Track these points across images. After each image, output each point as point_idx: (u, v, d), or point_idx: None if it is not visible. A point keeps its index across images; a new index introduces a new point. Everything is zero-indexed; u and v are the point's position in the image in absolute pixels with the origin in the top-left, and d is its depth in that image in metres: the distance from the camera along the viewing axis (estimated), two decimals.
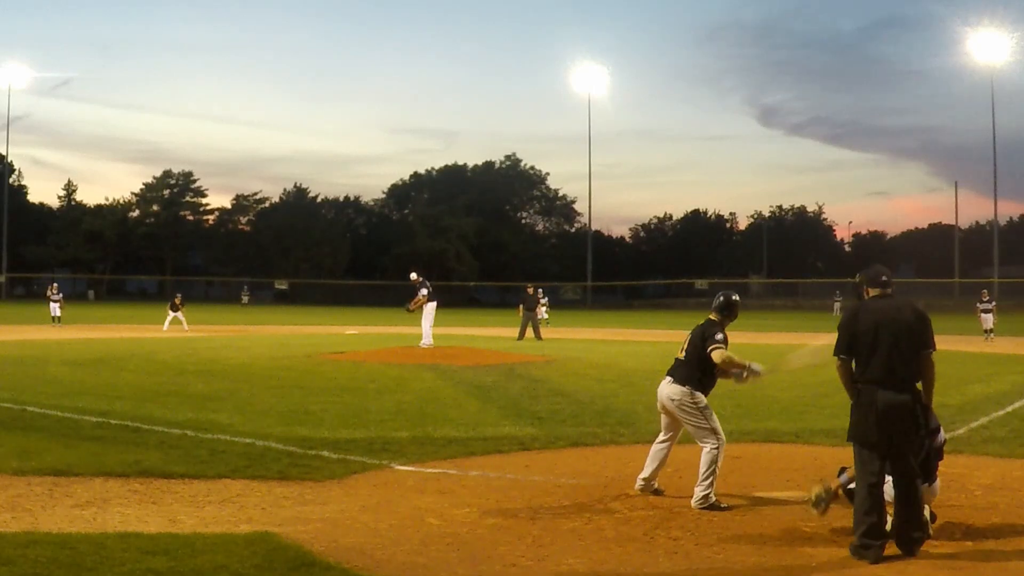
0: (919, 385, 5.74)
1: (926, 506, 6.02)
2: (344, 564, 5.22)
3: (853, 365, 5.82)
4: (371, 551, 5.54)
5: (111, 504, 6.58)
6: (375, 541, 5.77)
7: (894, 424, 5.59)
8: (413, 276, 23.23)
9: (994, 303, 31.71)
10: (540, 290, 40.92)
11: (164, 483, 7.29)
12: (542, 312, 37.64)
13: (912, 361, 5.68)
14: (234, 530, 5.93)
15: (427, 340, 22.07)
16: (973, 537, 5.95)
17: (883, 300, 5.91)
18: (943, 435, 6.41)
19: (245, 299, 71.17)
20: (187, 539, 5.61)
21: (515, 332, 29.11)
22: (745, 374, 7.03)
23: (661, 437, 7.30)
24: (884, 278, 5.99)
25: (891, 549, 5.65)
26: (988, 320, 30.82)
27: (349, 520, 6.29)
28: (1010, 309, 61.81)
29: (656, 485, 7.23)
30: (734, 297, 7.26)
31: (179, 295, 35.56)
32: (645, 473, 7.23)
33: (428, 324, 22.30)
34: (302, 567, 5.14)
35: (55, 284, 37.11)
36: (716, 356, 6.91)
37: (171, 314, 33.46)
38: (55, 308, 35.27)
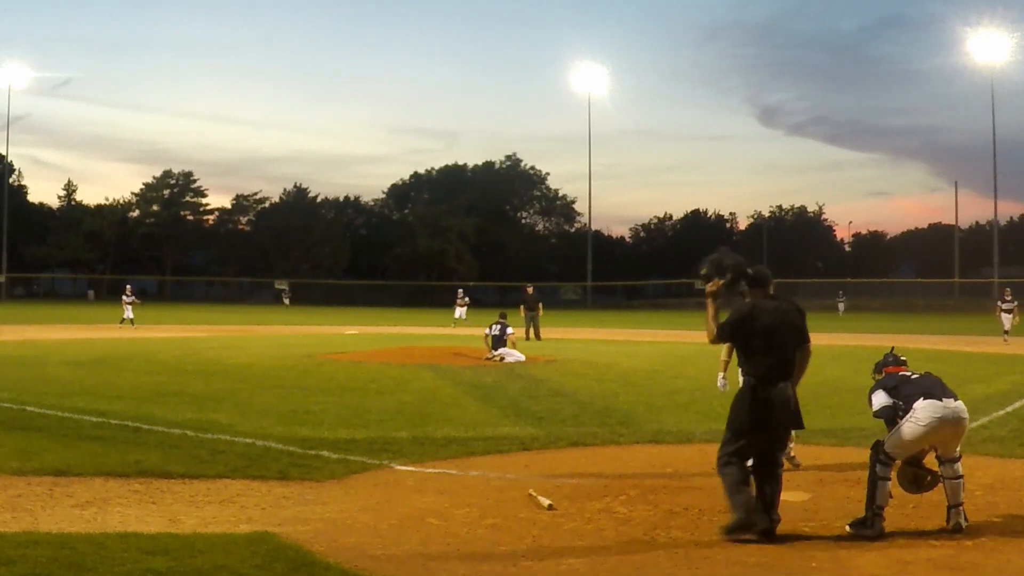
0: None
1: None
2: (344, 564, 5.21)
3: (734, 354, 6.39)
4: (371, 551, 5.54)
5: (111, 504, 6.58)
6: (375, 541, 5.77)
7: (775, 415, 5.95)
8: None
9: (1016, 303, 29.88)
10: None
11: (164, 483, 7.28)
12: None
13: (792, 358, 6.10)
14: (234, 530, 5.92)
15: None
16: (973, 537, 5.94)
17: (774, 301, 6.27)
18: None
19: (286, 301, 67.73)
20: (187, 539, 5.61)
21: (516, 332, 29.13)
22: None
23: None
24: (767, 279, 6.32)
25: (889, 548, 5.66)
26: (1007, 320, 29.48)
27: (349, 520, 6.28)
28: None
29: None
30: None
31: (129, 286, 36.54)
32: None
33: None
34: (302, 567, 5.14)
35: (129, 287, 36.57)
36: None
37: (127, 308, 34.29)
38: (128, 310, 34.69)
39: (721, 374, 8.25)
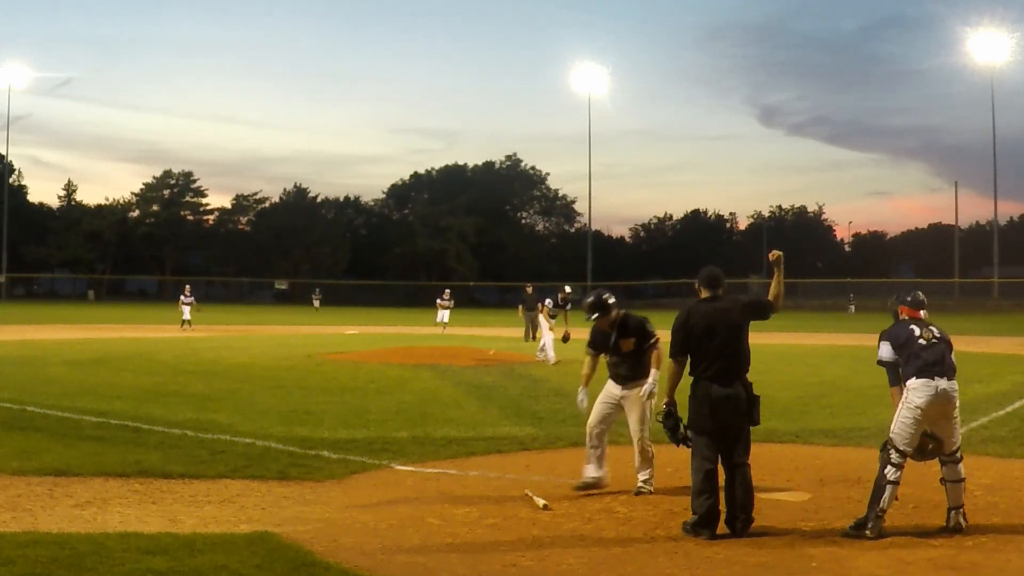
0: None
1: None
2: (344, 564, 5.21)
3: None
4: (371, 551, 5.54)
5: (111, 504, 6.58)
6: (375, 541, 5.77)
7: (726, 415, 6.08)
8: (568, 288, 21.52)
9: None
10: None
11: (164, 483, 7.28)
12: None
13: (741, 356, 6.16)
14: (234, 530, 5.92)
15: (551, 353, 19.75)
16: (973, 537, 5.94)
17: (712, 302, 6.35)
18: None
19: (316, 303, 66.43)
20: (187, 539, 5.61)
21: (516, 332, 29.10)
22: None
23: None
24: (716, 280, 6.44)
25: (889, 548, 5.66)
26: None
27: (349, 520, 6.28)
28: (1010, 309, 61.79)
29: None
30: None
31: (188, 286, 36.12)
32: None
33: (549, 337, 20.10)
34: (302, 567, 5.14)
35: (188, 287, 35.79)
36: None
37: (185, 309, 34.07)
38: (186, 311, 34.09)
39: (582, 388, 7.99)
